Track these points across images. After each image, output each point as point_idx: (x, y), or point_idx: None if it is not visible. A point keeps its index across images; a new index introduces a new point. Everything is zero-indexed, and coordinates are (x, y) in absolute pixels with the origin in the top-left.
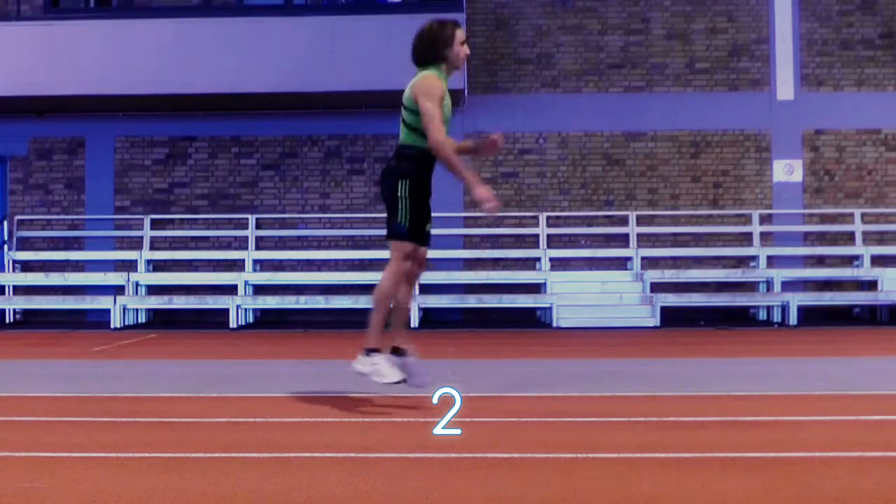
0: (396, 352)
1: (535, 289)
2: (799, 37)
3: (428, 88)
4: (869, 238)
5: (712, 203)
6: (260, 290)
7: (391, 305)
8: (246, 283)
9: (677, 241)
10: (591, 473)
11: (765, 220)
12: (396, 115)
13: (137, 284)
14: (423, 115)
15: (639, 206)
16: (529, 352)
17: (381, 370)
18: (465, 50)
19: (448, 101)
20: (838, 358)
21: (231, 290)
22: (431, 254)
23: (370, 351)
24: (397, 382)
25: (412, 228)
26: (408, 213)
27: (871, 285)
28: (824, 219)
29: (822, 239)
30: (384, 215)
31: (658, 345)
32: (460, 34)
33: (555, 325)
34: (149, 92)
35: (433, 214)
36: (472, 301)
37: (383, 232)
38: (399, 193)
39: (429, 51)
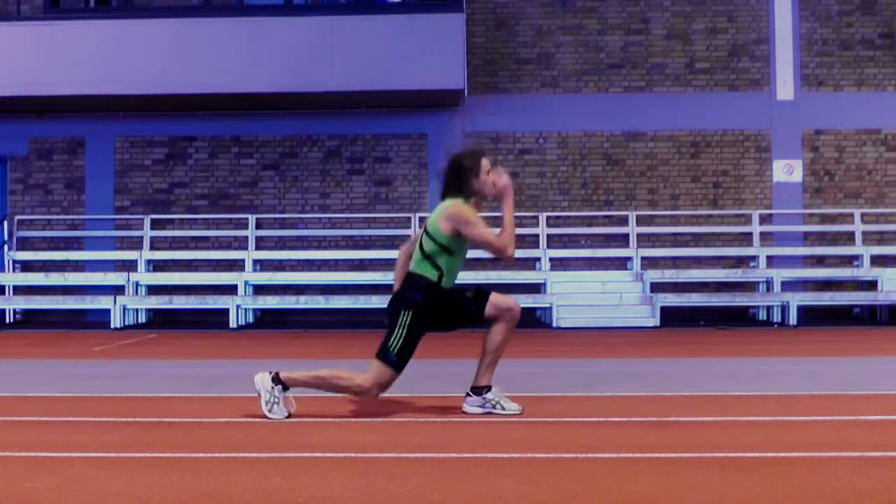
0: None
1: (535, 289)
2: (799, 37)
3: (467, 218)
4: (869, 238)
5: (712, 203)
6: (260, 290)
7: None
8: (246, 283)
9: (677, 241)
10: (591, 473)
11: (765, 220)
12: (396, 115)
13: (137, 284)
14: (480, 244)
15: (639, 206)
16: (529, 352)
17: (274, 407)
18: (493, 177)
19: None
20: (838, 358)
21: (231, 290)
22: None
23: (281, 383)
24: (281, 417)
25: (400, 360)
26: (400, 343)
27: (871, 285)
28: (824, 219)
29: (822, 239)
30: (384, 215)
31: (658, 345)
32: (486, 163)
33: (555, 325)
34: (149, 92)
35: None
36: None
37: (383, 232)
38: (399, 321)
39: (455, 182)
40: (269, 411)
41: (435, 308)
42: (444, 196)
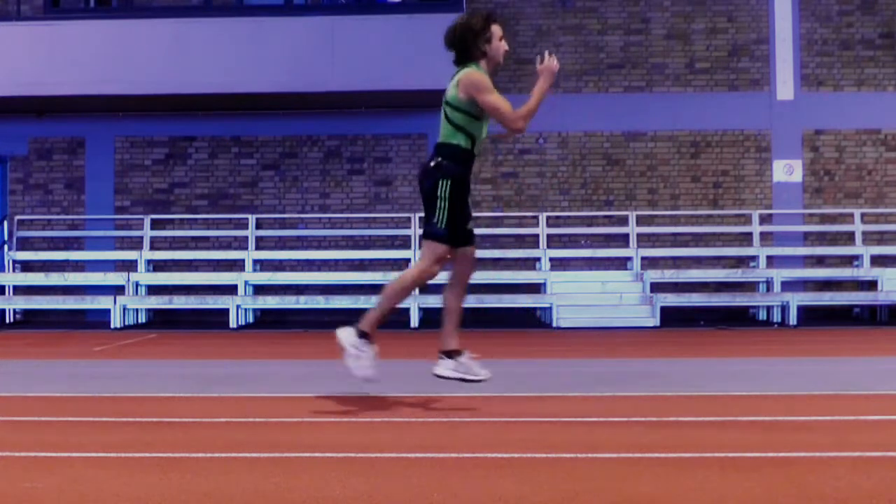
0: (451, 354)
1: (535, 289)
2: (799, 37)
3: (479, 84)
4: (869, 238)
5: (712, 203)
6: (260, 290)
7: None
8: (246, 283)
9: (677, 241)
10: (591, 473)
11: (765, 220)
12: (396, 115)
13: (137, 284)
14: (490, 111)
15: (639, 206)
16: (529, 352)
17: (363, 362)
18: (504, 45)
19: None
20: (838, 358)
21: (231, 290)
22: None
23: (363, 333)
24: (369, 378)
25: (450, 231)
26: (445, 215)
27: (871, 285)
28: (824, 219)
29: (822, 239)
30: (384, 215)
31: (658, 345)
32: (497, 29)
33: (555, 325)
34: (149, 92)
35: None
36: (472, 301)
37: (383, 232)
38: (439, 193)
39: (467, 46)
40: (359, 367)
41: (466, 181)
42: (457, 62)
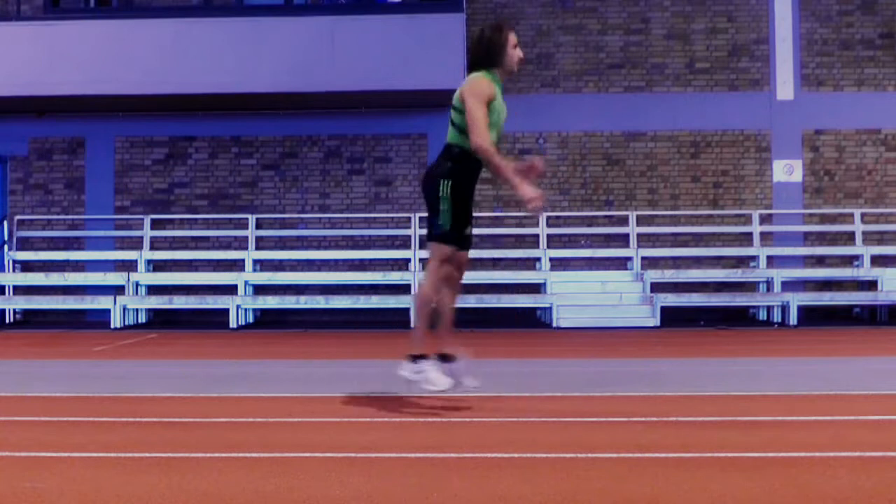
0: (444, 358)
1: (535, 289)
2: (799, 37)
3: (476, 89)
4: (869, 238)
5: (712, 203)
6: (260, 290)
7: (434, 309)
8: (246, 283)
9: (677, 241)
10: (591, 473)
11: (765, 220)
12: (396, 115)
13: (137, 284)
14: (467, 115)
15: (639, 206)
16: (529, 352)
17: (429, 377)
18: (519, 53)
19: (500, 105)
20: (838, 358)
21: (231, 290)
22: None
23: (416, 357)
24: (445, 390)
25: (453, 231)
26: (449, 215)
27: (871, 285)
28: (824, 219)
29: (822, 239)
30: (384, 215)
31: (658, 345)
32: (513, 37)
33: (555, 325)
34: (149, 92)
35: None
36: (472, 301)
37: (383, 232)
38: (441, 194)
39: (483, 56)
40: (430, 384)
41: (466, 179)
42: (470, 69)
